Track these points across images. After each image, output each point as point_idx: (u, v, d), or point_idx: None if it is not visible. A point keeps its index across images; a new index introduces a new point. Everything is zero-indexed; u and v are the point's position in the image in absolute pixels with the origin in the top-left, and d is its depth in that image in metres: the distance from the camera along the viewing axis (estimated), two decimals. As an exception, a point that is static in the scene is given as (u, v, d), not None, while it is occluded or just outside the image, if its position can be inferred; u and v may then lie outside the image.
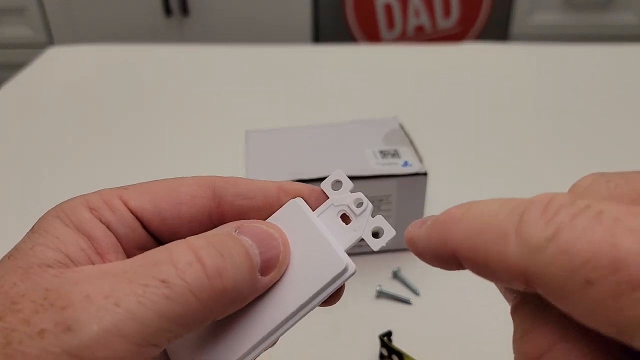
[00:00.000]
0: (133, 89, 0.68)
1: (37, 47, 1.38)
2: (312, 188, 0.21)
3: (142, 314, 0.14)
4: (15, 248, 0.17)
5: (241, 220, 0.19)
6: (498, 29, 1.46)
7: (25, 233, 0.17)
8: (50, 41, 1.51)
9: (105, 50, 0.78)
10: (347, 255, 0.19)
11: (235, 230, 0.18)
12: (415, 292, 0.37)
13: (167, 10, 1.44)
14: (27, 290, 0.15)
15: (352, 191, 0.20)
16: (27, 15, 1.48)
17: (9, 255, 0.16)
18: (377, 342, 0.33)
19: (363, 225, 0.20)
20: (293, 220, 0.20)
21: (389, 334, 0.33)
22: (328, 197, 0.21)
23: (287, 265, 0.18)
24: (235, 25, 1.47)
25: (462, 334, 0.34)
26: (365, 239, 0.20)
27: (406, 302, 0.36)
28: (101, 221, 0.18)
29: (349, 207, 0.20)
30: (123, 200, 0.18)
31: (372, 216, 0.20)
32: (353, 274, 0.19)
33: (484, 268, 0.13)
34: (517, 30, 1.45)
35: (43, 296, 0.15)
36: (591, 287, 0.10)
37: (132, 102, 0.64)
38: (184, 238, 0.19)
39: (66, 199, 0.18)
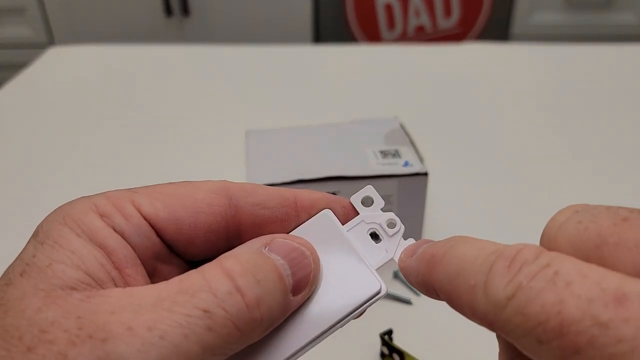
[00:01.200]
0: (133, 89, 0.68)
1: (37, 47, 1.38)
2: (342, 200, 0.20)
3: (186, 347, 0.14)
4: (28, 264, 0.15)
5: (272, 235, 0.18)
6: (498, 29, 1.46)
7: (29, 239, 0.16)
8: (50, 41, 1.51)
9: (105, 50, 0.78)
10: (379, 275, 0.19)
11: (266, 248, 0.17)
12: (415, 292, 0.37)
13: (168, 11, 1.44)
14: (56, 317, 0.14)
15: (383, 209, 0.20)
16: (27, 15, 1.48)
17: (21, 272, 0.15)
18: (378, 341, 0.33)
19: (395, 247, 0.20)
20: (324, 234, 0.19)
21: (389, 333, 0.33)
22: (357, 212, 0.20)
23: (319, 283, 0.18)
24: (236, 26, 1.47)
25: (462, 334, 0.34)
26: (396, 261, 0.20)
27: (407, 302, 0.36)
28: (115, 230, 0.16)
29: (380, 226, 0.20)
30: (135, 206, 0.17)
31: (404, 238, 0.20)
32: (385, 294, 0.19)
33: (459, 310, 0.14)
34: (518, 31, 1.45)
35: (77, 325, 0.14)
36: (542, 345, 0.12)
37: (133, 102, 0.64)
38: (201, 250, 0.18)
39: (69, 200, 0.17)
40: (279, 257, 0.17)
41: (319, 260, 0.18)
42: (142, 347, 0.13)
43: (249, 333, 0.15)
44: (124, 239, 0.16)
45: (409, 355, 0.30)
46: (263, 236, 0.18)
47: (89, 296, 0.14)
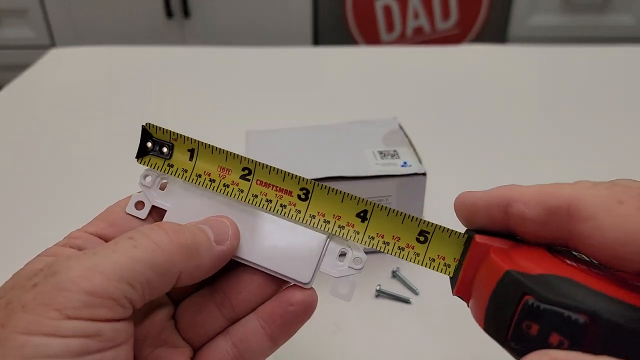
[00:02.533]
0: (134, 90, 0.68)
1: (39, 48, 1.38)
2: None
3: (115, 258, 0.18)
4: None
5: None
6: (496, 30, 1.47)
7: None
8: (52, 43, 1.51)
9: (106, 51, 0.79)
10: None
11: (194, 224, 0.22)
12: (414, 291, 0.37)
13: (169, 12, 1.45)
14: (23, 275, 0.19)
15: None
16: (29, 16, 1.48)
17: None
18: (377, 342, 0.34)
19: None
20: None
21: None
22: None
23: (239, 240, 0.23)
24: (236, 27, 1.47)
25: (461, 334, 0.34)
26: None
27: (406, 301, 0.36)
28: (71, 247, 0.22)
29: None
30: (83, 230, 0.23)
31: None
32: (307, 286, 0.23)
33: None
34: (516, 32, 1.45)
35: (34, 272, 0.19)
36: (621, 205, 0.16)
37: (134, 102, 0.65)
38: None
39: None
40: (203, 225, 0.22)
41: (235, 225, 0.23)
42: (79, 260, 0.18)
43: (172, 253, 0.20)
44: (80, 249, 0.22)
45: None
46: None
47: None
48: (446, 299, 0.38)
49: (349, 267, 0.23)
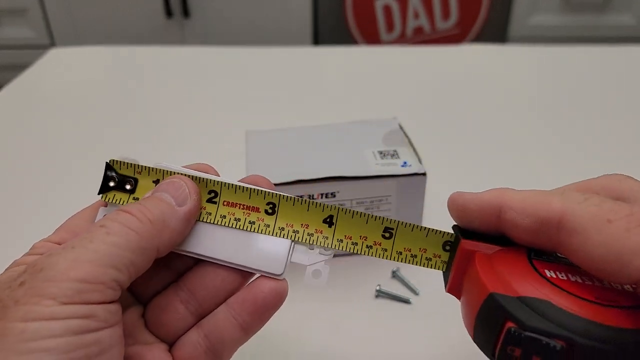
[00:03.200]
0: (134, 89, 0.68)
1: (38, 48, 1.38)
2: None
3: (93, 247, 0.19)
4: None
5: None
6: (496, 30, 1.47)
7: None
8: (51, 42, 1.51)
9: (106, 51, 0.79)
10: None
11: (152, 192, 0.23)
12: (414, 291, 0.37)
13: (168, 12, 1.45)
14: (3, 281, 0.20)
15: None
16: (28, 16, 1.48)
17: None
18: (377, 342, 0.34)
19: None
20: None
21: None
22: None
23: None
24: (236, 27, 1.47)
25: (462, 334, 0.34)
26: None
27: (406, 301, 0.36)
28: (36, 254, 0.22)
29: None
30: (48, 240, 0.23)
31: None
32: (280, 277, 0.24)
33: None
34: (516, 32, 1.45)
35: (17, 274, 0.19)
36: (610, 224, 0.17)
37: (133, 102, 0.65)
38: None
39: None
40: (158, 192, 0.23)
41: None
42: (61, 255, 0.19)
43: (146, 233, 0.21)
44: None
45: None
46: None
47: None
48: (446, 299, 0.38)
49: (319, 253, 0.24)
